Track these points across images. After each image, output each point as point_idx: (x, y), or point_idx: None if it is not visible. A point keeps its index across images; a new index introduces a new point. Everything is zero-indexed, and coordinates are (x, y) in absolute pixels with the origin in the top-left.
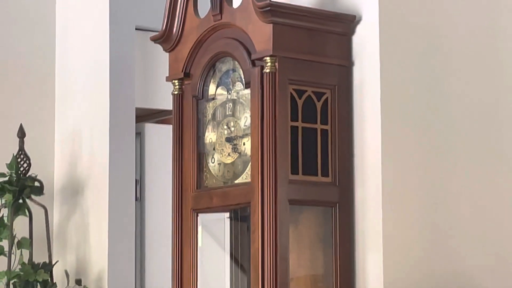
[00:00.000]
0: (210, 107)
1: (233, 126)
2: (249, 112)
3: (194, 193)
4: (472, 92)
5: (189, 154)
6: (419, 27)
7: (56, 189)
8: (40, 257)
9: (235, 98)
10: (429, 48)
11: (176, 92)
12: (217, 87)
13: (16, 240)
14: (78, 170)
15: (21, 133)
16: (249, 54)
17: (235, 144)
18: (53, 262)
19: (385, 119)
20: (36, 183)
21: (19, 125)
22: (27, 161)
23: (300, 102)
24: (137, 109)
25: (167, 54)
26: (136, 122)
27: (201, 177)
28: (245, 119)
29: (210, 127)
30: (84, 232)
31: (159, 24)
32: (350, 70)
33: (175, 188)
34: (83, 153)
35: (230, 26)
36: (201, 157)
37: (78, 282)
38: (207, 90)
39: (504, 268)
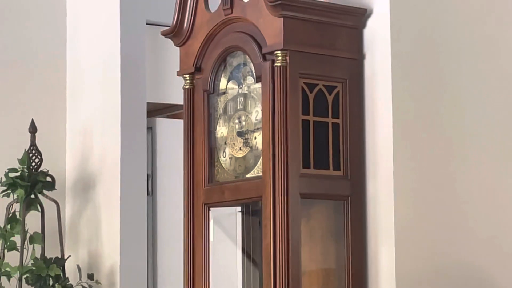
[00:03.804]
0: (221, 102)
1: (245, 120)
2: (260, 106)
3: (205, 187)
4: (485, 83)
5: (200, 148)
6: (430, 20)
7: (68, 184)
8: (52, 252)
9: (246, 92)
10: (441, 40)
11: (187, 87)
12: (228, 81)
13: (28, 235)
14: (89, 165)
15: (33, 128)
16: (260, 48)
17: (246, 138)
18: (65, 257)
19: (396, 112)
20: (48, 178)
21: (30, 120)
22: (39, 156)
23: (311, 96)
24: (148, 104)
25: (178, 48)
26: (148, 116)
27: (212, 171)
28: (256, 113)
29: (221, 122)
30: (96, 226)
31: (170, 18)
32: (361, 63)
33: (186, 183)
34: (95, 148)
35: (241, 20)
36: (212, 151)
37: (90, 276)
38: (218, 85)
39: None
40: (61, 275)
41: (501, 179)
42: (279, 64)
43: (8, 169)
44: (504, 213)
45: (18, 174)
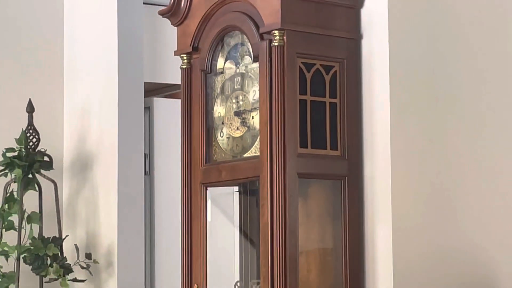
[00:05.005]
0: (218, 81)
1: (242, 100)
2: (258, 86)
3: (203, 167)
4: (484, 64)
5: (198, 128)
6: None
7: (66, 163)
8: (50, 232)
9: (244, 72)
10: (439, 19)
11: (184, 66)
12: (225, 61)
13: (26, 215)
14: (87, 145)
15: (30, 108)
16: (257, 27)
17: (243, 118)
18: (63, 237)
19: (394, 92)
20: (46, 158)
21: (28, 100)
22: (36, 136)
23: (308, 76)
24: (145, 84)
25: (175, 28)
26: (145, 96)
27: (210, 151)
28: (253, 93)
29: (218, 101)
30: (94, 206)
31: None
32: (359, 43)
33: (184, 162)
34: (92, 127)
35: (238, 0)
36: (210, 131)
37: (88, 256)
38: (216, 64)
39: None
40: (59, 254)
41: (502, 158)
42: (276, 44)
43: (5, 148)
44: (503, 194)
45: (15, 153)
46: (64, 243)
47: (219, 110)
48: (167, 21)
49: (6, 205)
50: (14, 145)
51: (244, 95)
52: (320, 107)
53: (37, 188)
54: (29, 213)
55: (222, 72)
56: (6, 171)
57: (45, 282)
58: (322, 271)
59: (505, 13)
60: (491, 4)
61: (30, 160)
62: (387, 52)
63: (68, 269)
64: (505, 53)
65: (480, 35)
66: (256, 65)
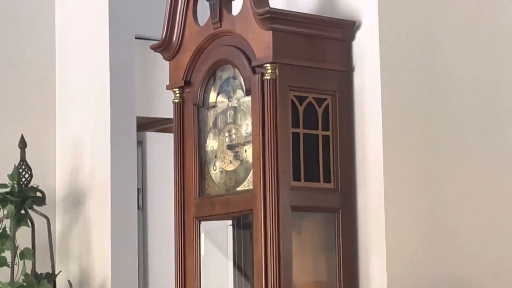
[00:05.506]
0: (211, 115)
1: (235, 134)
2: (250, 119)
3: (196, 201)
4: (473, 95)
5: (190, 162)
6: (419, 32)
7: (58, 199)
8: (43, 268)
9: (236, 105)
10: (430, 52)
11: (177, 101)
12: (217, 95)
13: (18, 251)
14: (79, 180)
15: (22, 144)
16: (249, 61)
17: (236, 152)
18: (56, 272)
19: (386, 124)
20: (38, 194)
21: (20, 135)
22: (29, 172)
23: (301, 109)
24: (138, 118)
25: (167, 62)
26: (137, 131)
27: (203, 184)
28: (246, 126)
29: (211, 135)
30: (87, 241)
31: (159, 32)
32: (351, 75)
33: (177, 196)
34: (85, 162)
35: (230, 34)
36: (202, 165)
37: None
38: (208, 98)
39: (507, 270)
40: None
41: (493, 188)
42: (268, 77)
43: None
44: (496, 222)
45: (8, 189)
46: (57, 279)
47: (211, 143)
48: (159, 56)
49: None
50: (7, 181)
51: (237, 128)
52: (313, 139)
53: (29, 224)
54: (22, 249)
55: (214, 106)
56: None
57: None
58: None
59: (496, 42)
60: (484, 35)
61: (23, 196)
62: (379, 84)
63: None
64: (497, 83)
65: (473, 66)
66: (248, 98)
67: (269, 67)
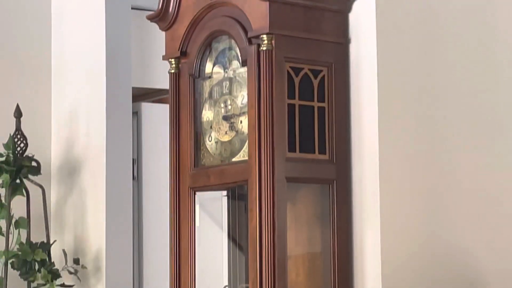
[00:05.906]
0: (207, 86)
1: (230, 105)
2: (246, 90)
3: (191, 171)
4: (471, 67)
5: (186, 132)
6: (416, 3)
7: (53, 169)
8: (38, 237)
9: (232, 76)
10: (426, 23)
11: (172, 71)
12: (213, 66)
13: (13, 220)
14: (75, 150)
15: (18, 113)
16: (246, 32)
17: (232, 123)
18: (51, 242)
19: (382, 95)
20: (33, 163)
21: (15, 105)
22: (24, 141)
23: (297, 80)
24: (133, 89)
25: (164, 33)
26: (133, 101)
27: (198, 155)
28: (242, 97)
29: (207, 106)
30: (82, 211)
31: (155, 3)
32: (347, 47)
33: (172, 167)
34: (80, 132)
35: (227, 4)
36: (198, 135)
37: (76, 261)
38: (204, 69)
39: (502, 243)
40: (47, 259)
41: (490, 159)
42: (264, 48)
43: None
44: (492, 195)
45: (3, 159)
46: (52, 248)
47: (207, 114)
48: (155, 26)
49: None
50: (2, 150)
51: (233, 99)
52: (308, 111)
53: (24, 193)
54: (17, 218)
55: (210, 77)
56: None
57: (33, 287)
58: (311, 275)
59: (494, 13)
60: (483, 4)
61: (18, 165)
62: (375, 56)
63: (56, 275)
64: (499, 54)
65: (470, 36)
66: (244, 69)
67: (265, 38)
